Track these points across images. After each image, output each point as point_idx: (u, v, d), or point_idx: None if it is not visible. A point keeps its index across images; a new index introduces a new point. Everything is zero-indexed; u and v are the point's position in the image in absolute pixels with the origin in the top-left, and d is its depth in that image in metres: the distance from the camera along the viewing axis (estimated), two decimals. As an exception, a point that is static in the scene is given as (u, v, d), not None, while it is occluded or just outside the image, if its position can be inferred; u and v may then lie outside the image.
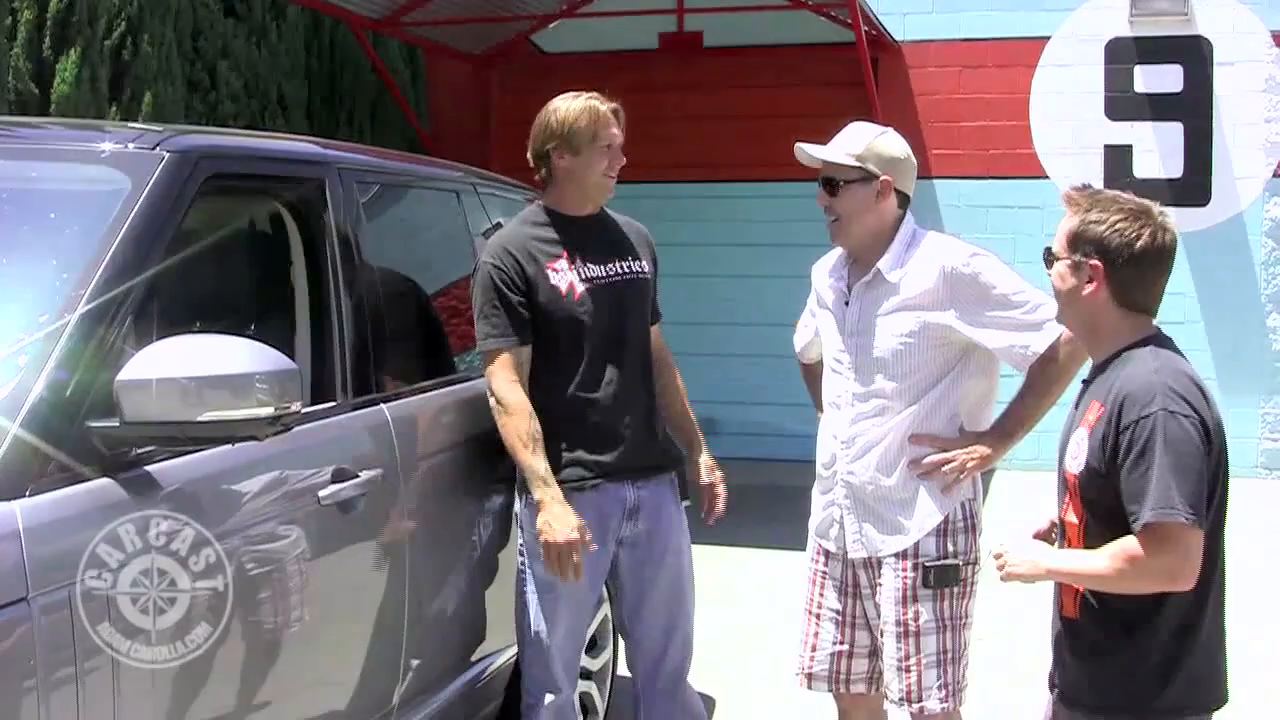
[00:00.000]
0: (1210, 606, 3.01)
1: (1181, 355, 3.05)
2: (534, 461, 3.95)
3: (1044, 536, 3.26)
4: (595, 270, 4.13)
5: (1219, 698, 3.06)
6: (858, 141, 3.93)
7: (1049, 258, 3.10)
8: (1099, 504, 2.98)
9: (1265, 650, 6.39)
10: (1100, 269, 2.98)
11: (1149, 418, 2.85)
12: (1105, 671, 3.02)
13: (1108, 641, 3.02)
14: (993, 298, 3.84)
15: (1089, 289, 3.01)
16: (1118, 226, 2.96)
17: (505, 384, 4.01)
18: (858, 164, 3.89)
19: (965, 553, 3.91)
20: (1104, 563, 2.94)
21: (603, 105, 4.14)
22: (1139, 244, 2.95)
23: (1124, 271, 2.97)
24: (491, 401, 4.06)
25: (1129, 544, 2.89)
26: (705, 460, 4.42)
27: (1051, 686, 3.21)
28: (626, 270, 4.20)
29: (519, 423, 3.98)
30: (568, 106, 4.12)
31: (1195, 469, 2.85)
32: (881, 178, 3.89)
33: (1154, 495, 2.82)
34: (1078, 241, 3.01)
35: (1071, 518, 3.07)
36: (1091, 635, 3.05)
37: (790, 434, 10.09)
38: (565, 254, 4.11)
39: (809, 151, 3.94)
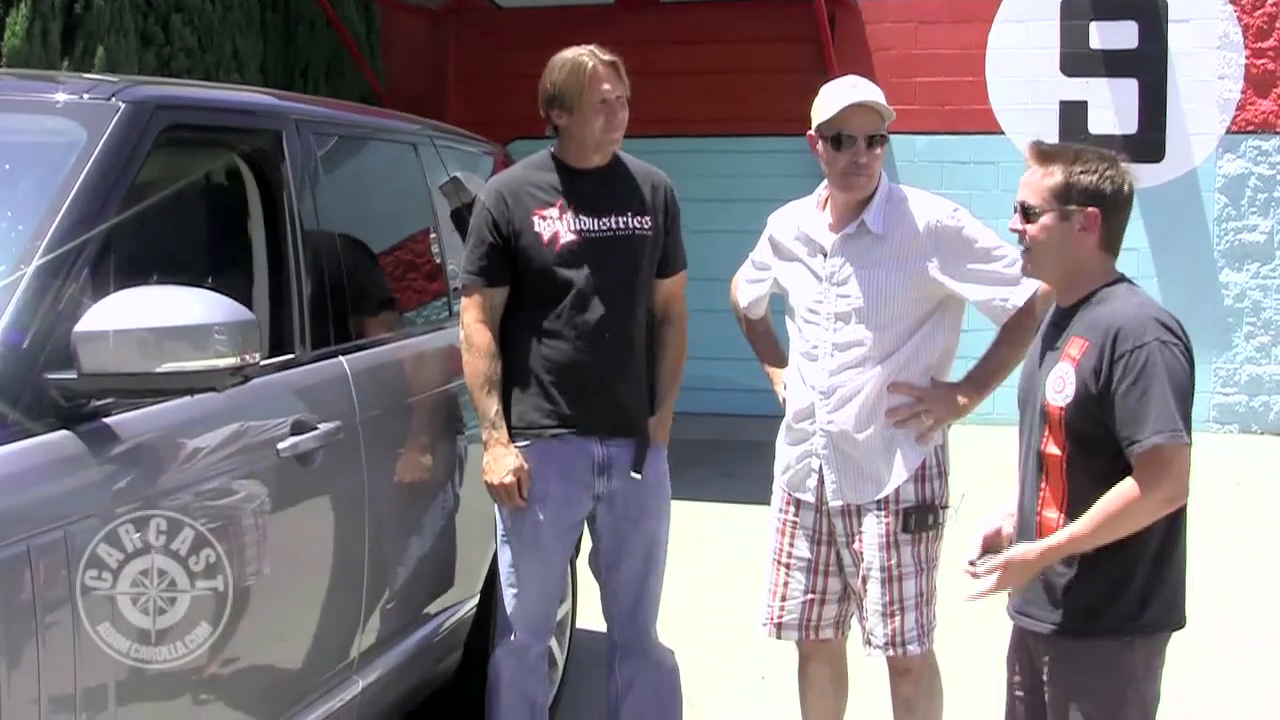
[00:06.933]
0: (1183, 530, 3.18)
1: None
2: (485, 403, 4.05)
3: (993, 538, 3.37)
4: (586, 222, 4.09)
5: (1183, 617, 3.21)
6: (881, 97, 3.94)
7: (1029, 212, 3.22)
8: (1084, 434, 3.12)
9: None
10: (1097, 215, 3.17)
11: (1144, 347, 3.04)
12: (1089, 595, 3.14)
13: (1094, 566, 3.13)
14: (975, 251, 3.94)
15: (1082, 236, 3.18)
16: (1108, 174, 3.18)
17: (473, 323, 4.09)
18: (884, 122, 3.95)
19: (939, 496, 4.02)
20: (1102, 517, 3.06)
21: (592, 60, 4.08)
22: (1125, 189, 3.20)
23: (1115, 216, 3.20)
24: (461, 335, 4.14)
25: (1126, 489, 3.04)
26: (652, 422, 4.23)
27: (1015, 614, 3.31)
28: (622, 226, 4.14)
29: (479, 363, 4.06)
30: (559, 64, 4.10)
31: (1188, 394, 3.06)
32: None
33: (1157, 419, 3.00)
34: (1069, 193, 3.17)
35: (1053, 449, 3.19)
36: (1076, 561, 3.15)
37: (747, 389, 10.03)
38: (558, 203, 4.09)
39: (879, 102, 3.91)
